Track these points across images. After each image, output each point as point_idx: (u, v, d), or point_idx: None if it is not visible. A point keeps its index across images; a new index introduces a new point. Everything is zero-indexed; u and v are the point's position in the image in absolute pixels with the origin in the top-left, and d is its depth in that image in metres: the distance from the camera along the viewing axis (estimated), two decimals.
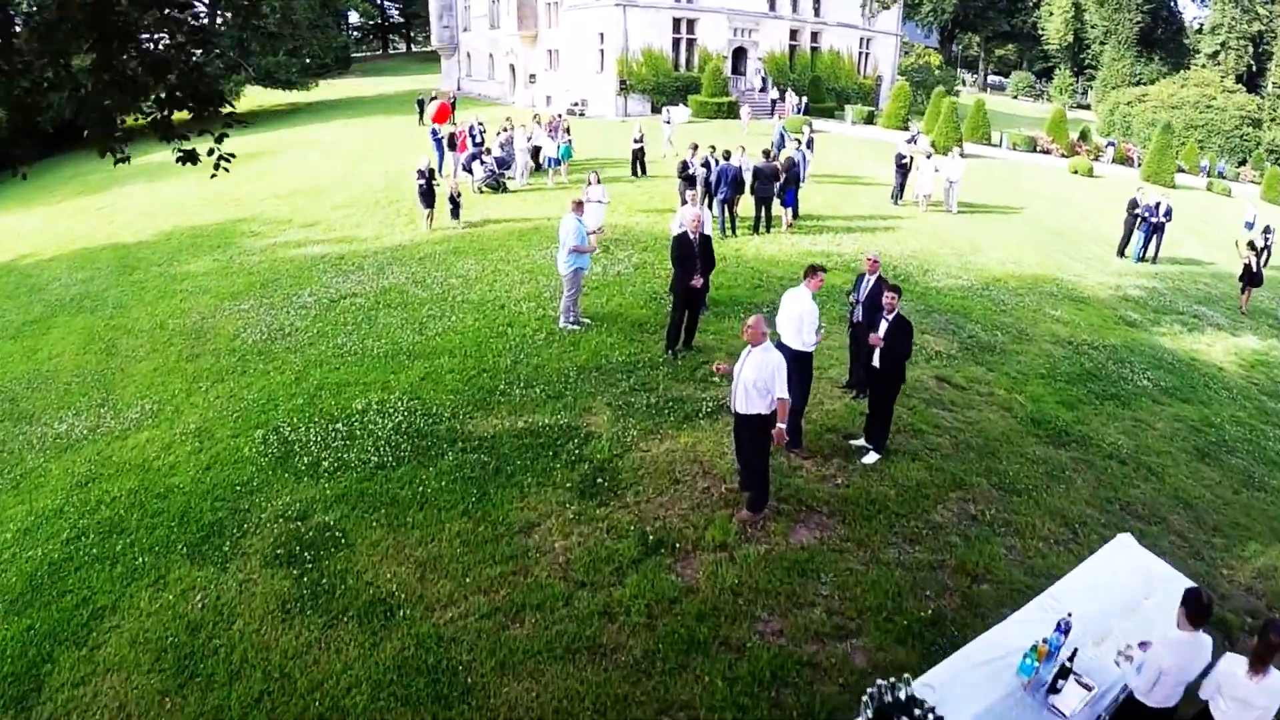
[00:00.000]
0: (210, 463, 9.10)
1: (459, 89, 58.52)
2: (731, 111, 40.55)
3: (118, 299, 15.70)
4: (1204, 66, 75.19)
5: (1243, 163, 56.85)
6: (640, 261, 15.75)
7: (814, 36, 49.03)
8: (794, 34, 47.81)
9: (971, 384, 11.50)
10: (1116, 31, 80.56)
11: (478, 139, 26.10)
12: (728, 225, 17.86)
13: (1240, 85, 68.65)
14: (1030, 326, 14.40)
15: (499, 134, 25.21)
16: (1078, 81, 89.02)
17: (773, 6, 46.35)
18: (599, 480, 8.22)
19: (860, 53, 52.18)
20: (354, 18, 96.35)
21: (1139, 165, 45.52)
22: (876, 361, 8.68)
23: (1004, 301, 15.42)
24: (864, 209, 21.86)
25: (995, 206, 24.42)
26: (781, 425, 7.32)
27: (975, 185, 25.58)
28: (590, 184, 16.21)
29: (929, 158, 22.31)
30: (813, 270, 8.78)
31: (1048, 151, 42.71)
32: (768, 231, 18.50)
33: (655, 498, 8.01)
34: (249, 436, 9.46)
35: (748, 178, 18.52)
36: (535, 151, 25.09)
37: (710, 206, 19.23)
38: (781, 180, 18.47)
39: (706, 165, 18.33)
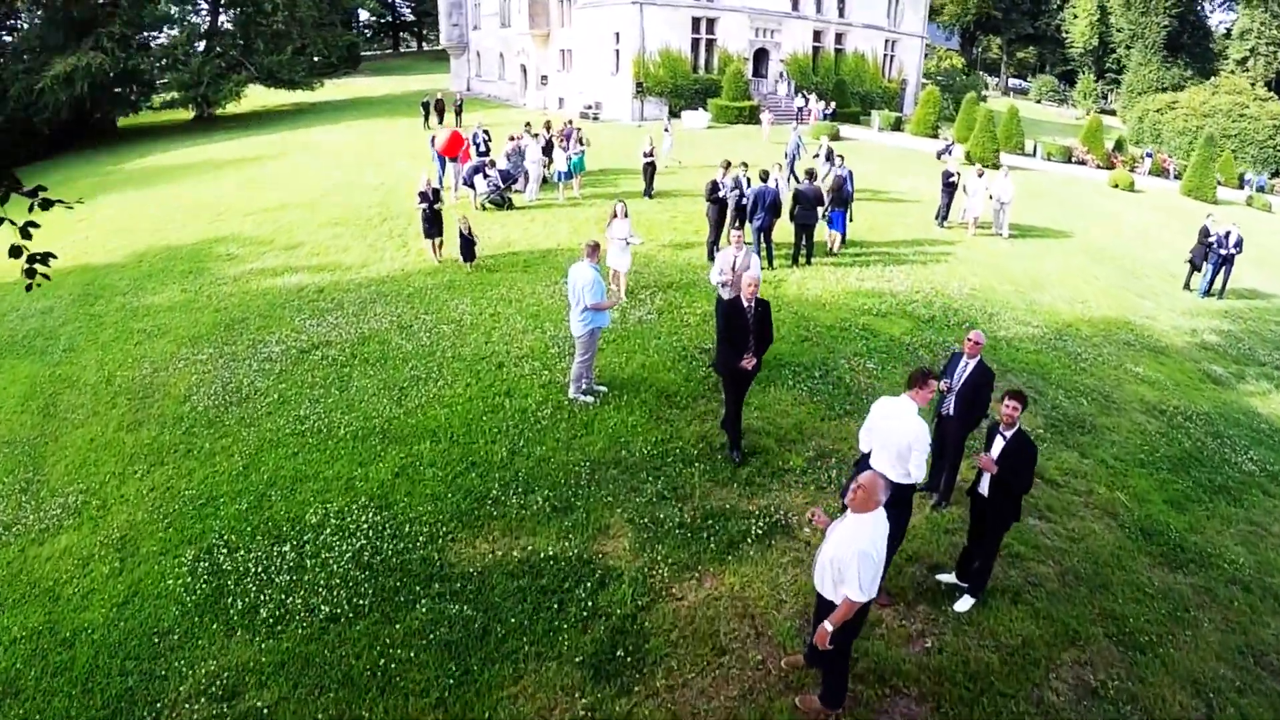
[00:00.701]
0: (128, 595, 7.22)
1: (468, 89, 56.66)
2: (754, 117, 38.57)
3: (70, 339, 13.84)
4: (1232, 72, 72.94)
5: (1276, 174, 54.61)
6: (666, 304, 13.75)
7: (838, 38, 46.97)
8: (817, 35, 45.77)
9: (1067, 478, 9.55)
10: (1143, 35, 78.50)
11: (482, 148, 24.14)
12: (763, 257, 15.79)
13: (1272, 93, 66.34)
14: (1114, 389, 12.43)
15: (509, 142, 22.67)
16: (1100, 85, 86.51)
17: (796, 6, 44.32)
18: (619, 651, 6.27)
19: (885, 55, 50.15)
20: (364, 15, 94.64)
21: (1175, 177, 43.51)
22: (984, 488, 6.71)
23: (1081, 355, 13.44)
24: (907, 232, 19.83)
25: (1044, 229, 22.40)
26: (828, 627, 5.26)
27: (1018, 202, 23.57)
28: (615, 218, 13.43)
29: (980, 175, 20.23)
30: (922, 378, 6.45)
31: (1083, 162, 40.70)
32: (808, 263, 16.42)
33: (694, 678, 6.07)
34: (177, 558, 7.56)
35: (787, 202, 16.55)
36: (547, 147, 22.94)
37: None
38: (828, 203, 16.51)
39: (738, 186, 16.28)
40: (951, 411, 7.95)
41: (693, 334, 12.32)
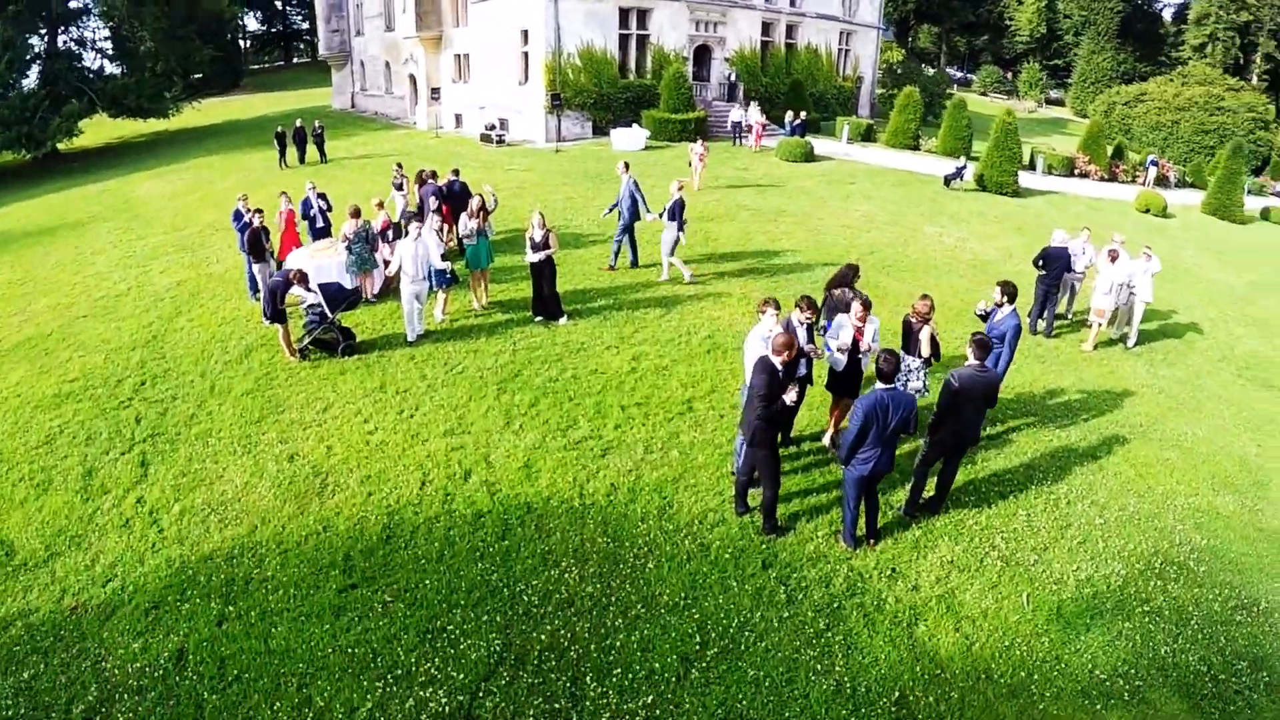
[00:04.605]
0: None
1: (352, 105, 47.76)
2: (701, 130, 30.99)
3: None
4: (1188, 60, 68.75)
5: (1258, 171, 49.58)
6: None
7: (789, 31, 39.72)
8: (766, 28, 38.40)
9: None
10: (1094, 23, 74.25)
11: (318, 221, 15.56)
12: (860, 524, 7.80)
13: (1245, 83, 61.91)
14: None
15: (350, 220, 13.25)
16: (1045, 76, 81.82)
17: None
18: None
19: (840, 49, 43.15)
20: (252, 25, 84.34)
21: (1176, 185, 37.81)
22: None
23: None
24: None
25: (1157, 315, 15.25)
26: None
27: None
28: None
29: (1113, 259, 12.67)
30: None
31: (1085, 174, 34.54)
32: (939, 510, 8.18)
33: None
34: None
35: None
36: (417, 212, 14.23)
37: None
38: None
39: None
40: None
41: None
